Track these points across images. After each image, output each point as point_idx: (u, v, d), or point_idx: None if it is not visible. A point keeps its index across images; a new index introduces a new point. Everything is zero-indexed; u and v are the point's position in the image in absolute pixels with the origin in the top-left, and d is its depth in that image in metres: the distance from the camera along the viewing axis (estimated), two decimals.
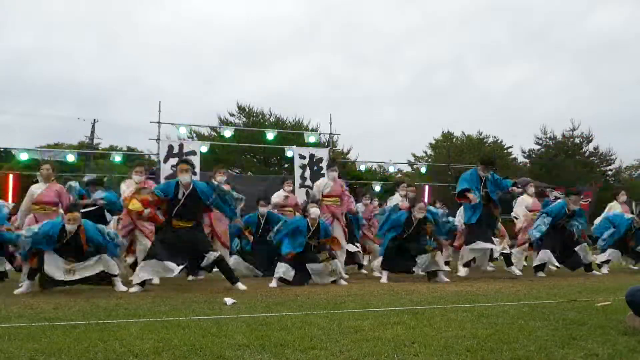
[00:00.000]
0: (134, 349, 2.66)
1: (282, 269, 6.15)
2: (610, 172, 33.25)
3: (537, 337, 2.87)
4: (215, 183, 6.25)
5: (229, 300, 4.51)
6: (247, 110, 28.09)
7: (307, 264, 6.26)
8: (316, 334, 3.02)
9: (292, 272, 6.16)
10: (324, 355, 2.52)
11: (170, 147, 13.12)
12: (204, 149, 13.70)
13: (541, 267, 7.46)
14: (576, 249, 7.36)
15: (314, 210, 6.57)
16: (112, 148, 31.09)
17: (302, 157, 13.90)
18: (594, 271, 7.43)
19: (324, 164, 13.75)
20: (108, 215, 7.09)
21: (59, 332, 3.15)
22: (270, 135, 15.28)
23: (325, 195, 7.74)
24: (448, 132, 34.62)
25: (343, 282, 6.28)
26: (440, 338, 2.87)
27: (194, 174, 6.31)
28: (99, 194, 7.19)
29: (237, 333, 3.07)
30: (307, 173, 13.61)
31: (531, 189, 8.75)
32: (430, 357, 2.47)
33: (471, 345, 2.69)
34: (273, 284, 6.06)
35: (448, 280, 6.48)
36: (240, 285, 5.66)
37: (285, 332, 3.10)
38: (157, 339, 2.90)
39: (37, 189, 6.67)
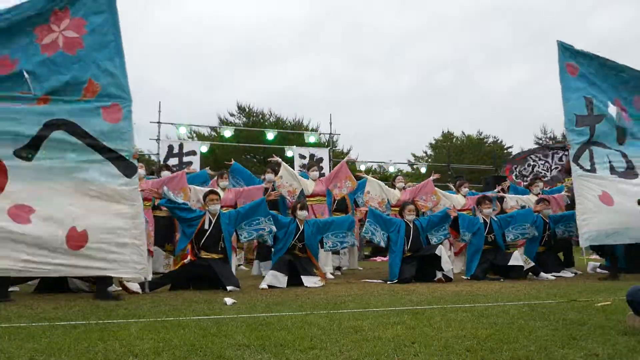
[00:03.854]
0: (134, 349, 2.66)
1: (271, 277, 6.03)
2: None
3: (537, 337, 2.87)
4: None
5: (229, 300, 4.51)
6: (247, 110, 28.08)
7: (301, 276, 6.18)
8: (316, 334, 3.02)
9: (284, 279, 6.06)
10: (324, 355, 2.52)
11: (170, 147, 13.14)
12: (204, 149, 13.71)
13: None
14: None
15: (302, 213, 6.58)
16: None
17: (302, 157, 13.90)
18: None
19: (324, 164, 13.76)
20: None
21: (59, 332, 3.15)
22: (270, 135, 15.29)
23: (309, 196, 7.82)
24: (448, 132, 34.65)
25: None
26: (440, 338, 2.87)
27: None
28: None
29: (237, 333, 3.07)
30: None
31: (537, 189, 8.65)
32: (430, 357, 2.47)
33: (471, 345, 2.69)
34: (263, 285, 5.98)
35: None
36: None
37: (285, 332, 3.10)
38: (157, 339, 2.90)
39: None
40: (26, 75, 4.57)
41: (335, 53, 56.23)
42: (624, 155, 6.90)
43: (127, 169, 4.76)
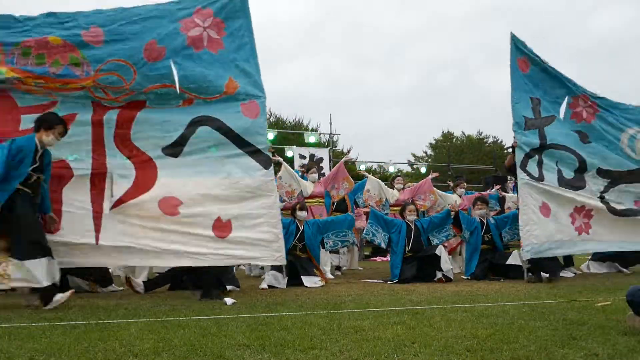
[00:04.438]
0: (134, 349, 2.66)
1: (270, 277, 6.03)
2: None
3: (537, 337, 2.87)
4: None
5: (228, 300, 4.51)
6: None
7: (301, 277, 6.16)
8: (316, 334, 3.02)
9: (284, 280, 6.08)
10: (324, 355, 2.52)
11: None
12: None
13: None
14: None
15: (301, 214, 6.58)
16: None
17: (302, 157, 13.92)
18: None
19: (324, 164, 13.78)
20: None
21: (59, 332, 3.15)
22: (270, 135, 15.29)
23: (307, 197, 7.81)
24: (448, 132, 34.66)
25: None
26: (440, 338, 2.87)
27: None
28: None
29: (237, 333, 3.07)
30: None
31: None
32: (430, 357, 2.47)
33: (471, 345, 2.69)
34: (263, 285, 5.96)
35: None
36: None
37: (285, 332, 3.10)
38: (157, 339, 2.90)
39: None
40: (173, 67, 4.78)
41: (335, 53, 56.23)
42: (581, 161, 6.53)
43: (264, 162, 5.01)
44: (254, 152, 4.97)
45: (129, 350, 2.65)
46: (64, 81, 4.57)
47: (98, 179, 4.71)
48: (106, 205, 4.68)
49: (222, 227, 4.81)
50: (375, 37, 57.20)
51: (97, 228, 4.65)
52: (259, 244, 4.87)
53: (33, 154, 4.28)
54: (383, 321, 3.44)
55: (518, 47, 6.40)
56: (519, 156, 6.27)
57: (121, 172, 4.76)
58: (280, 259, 4.97)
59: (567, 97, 6.61)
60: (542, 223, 6.17)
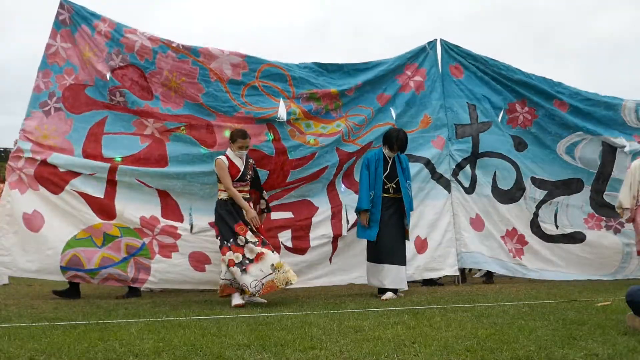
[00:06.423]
0: (134, 349, 2.66)
1: None
2: None
3: (537, 337, 2.87)
4: None
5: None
6: None
7: None
8: (316, 334, 3.02)
9: None
10: (324, 355, 2.52)
11: None
12: None
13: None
14: None
15: None
16: None
17: None
18: None
19: None
20: None
21: (59, 332, 3.15)
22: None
23: None
24: None
25: None
26: (440, 338, 2.87)
27: None
28: None
29: (237, 333, 3.07)
30: None
31: None
32: (430, 357, 2.47)
33: (471, 345, 2.69)
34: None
35: None
36: None
37: (285, 332, 3.10)
38: (157, 339, 2.91)
39: None
40: (392, 110, 5.91)
41: (338, 53, 56.32)
42: (517, 168, 6.13)
43: (446, 186, 5.95)
44: (439, 178, 5.91)
45: (129, 350, 2.65)
46: (326, 121, 5.62)
47: (336, 210, 5.65)
48: (343, 229, 5.59)
49: (420, 244, 5.70)
50: (380, 39, 57.30)
51: (334, 249, 5.61)
52: (441, 259, 5.79)
53: (383, 163, 5.09)
54: (383, 321, 3.44)
55: (449, 54, 6.17)
56: (451, 164, 6.05)
57: (351, 204, 5.55)
58: (455, 270, 5.88)
59: (504, 103, 6.23)
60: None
